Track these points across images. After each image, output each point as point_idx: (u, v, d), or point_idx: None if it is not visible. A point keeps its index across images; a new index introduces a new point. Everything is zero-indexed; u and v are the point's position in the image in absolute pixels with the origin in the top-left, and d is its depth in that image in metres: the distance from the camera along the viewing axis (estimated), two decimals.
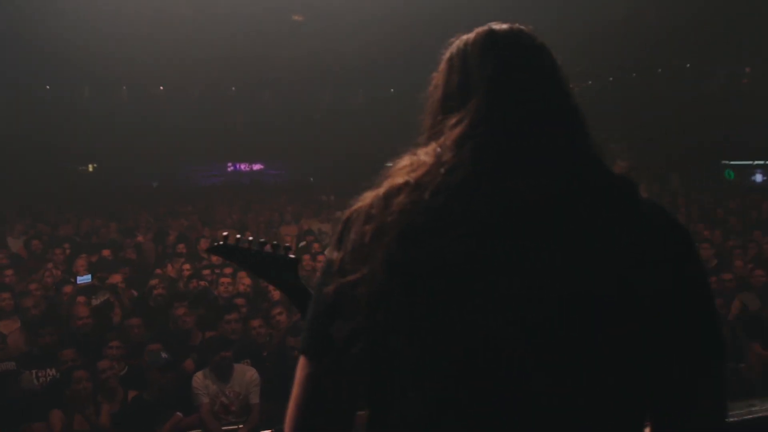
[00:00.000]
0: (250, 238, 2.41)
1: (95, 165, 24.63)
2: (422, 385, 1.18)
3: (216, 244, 2.42)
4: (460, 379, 1.16)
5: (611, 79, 24.28)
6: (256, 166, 26.74)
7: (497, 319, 1.16)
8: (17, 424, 5.30)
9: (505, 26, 1.39)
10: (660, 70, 23.47)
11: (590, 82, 25.00)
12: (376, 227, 1.23)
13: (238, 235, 2.29)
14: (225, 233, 2.11)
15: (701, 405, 1.24)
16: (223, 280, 7.94)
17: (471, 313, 1.16)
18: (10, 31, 19.33)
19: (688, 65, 22.86)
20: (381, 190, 1.28)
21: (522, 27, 1.40)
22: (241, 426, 5.46)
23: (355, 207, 1.30)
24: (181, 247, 10.34)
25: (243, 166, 26.84)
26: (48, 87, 23.17)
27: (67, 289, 8.15)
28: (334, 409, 1.24)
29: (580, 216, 1.21)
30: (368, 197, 1.29)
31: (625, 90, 23.60)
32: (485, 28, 1.39)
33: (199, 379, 5.61)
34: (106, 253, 10.17)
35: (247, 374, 5.71)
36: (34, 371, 5.95)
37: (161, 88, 24.76)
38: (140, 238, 11.63)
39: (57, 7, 19.90)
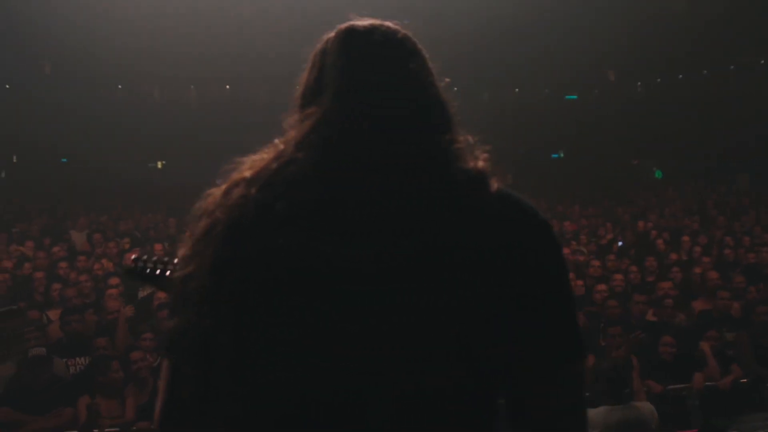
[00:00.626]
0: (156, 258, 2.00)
1: (164, 162, 25.40)
2: (242, 389, 1.15)
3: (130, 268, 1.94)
4: (284, 382, 1.13)
5: (681, 77, 23.59)
6: None
7: (321, 318, 1.12)
8: (45, 409, 5.50)
9: (366, 22, 1.35)
10: (732, 67, 22.67)
11: (659, 80, 24.37)
12: (208, 223, 1.22)
13: (145, 256, 1.96)
14: (134, 256, 1.83)
15: (553, 406, 1.18)
16: None
17: (295, 313, 1.12)
18: (82, 31, 20.13)
19: (762, 62, 21.97)
20: (224, 185, 1.27)
21: (385, 23, 1.35)
22: None
23: (202, 202, 1.29)
24: None
25: None
26: (120, 86, 24.01)
27: (113, 281, 8.39)
28: (185, 405, 1.21)
29: (417, 214, 1.15)
30: (213, 192, 1.28)
31: (696, 88, 22.90)
32: (347, 24, 1.35)
33: None
34: (158, 247, 10.44)
35: None
36: (65, 359, 6.16)
37: (227, 87, 25.33)
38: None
39: (126, 11, 20.64)
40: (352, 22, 1.35)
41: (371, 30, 1.32)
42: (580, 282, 8.08)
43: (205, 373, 1.16)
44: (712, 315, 7.15)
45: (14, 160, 20.77)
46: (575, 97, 25.99)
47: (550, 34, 22.12)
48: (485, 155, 1.28)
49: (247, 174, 1.25)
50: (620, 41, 21.41)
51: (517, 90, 26.07)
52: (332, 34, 1.36)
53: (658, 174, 21.99)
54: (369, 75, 1.27)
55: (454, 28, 22.45)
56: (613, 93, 24.93)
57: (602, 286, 7.49)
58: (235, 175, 1.27)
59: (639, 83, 25.18)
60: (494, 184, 1.23)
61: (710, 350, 6.42)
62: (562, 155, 25.51)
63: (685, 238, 10.85)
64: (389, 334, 1.11)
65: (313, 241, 1.14)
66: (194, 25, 21.97)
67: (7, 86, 21.34)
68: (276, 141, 1.30)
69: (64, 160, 22.45)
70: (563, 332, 1.20)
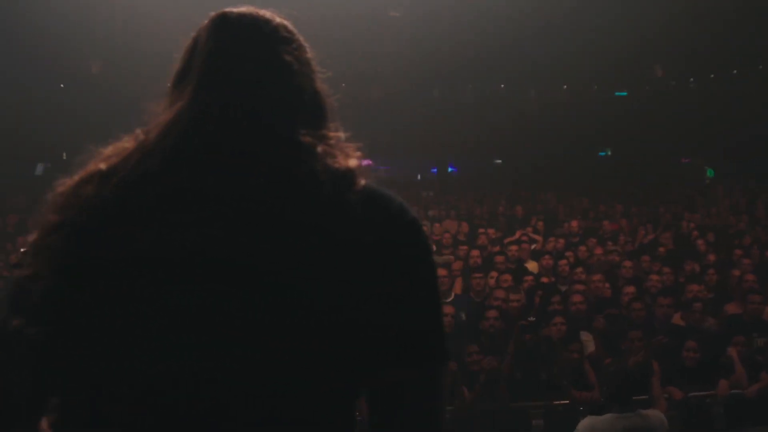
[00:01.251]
0: None
1: None
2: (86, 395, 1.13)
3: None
4: (126, 385, 1.10)
5: (735, 72, 22.88)
6: (365, 163, 26.98)
7: (164, 318, 1.09)
8: None
9: (240, 9, 1.30)
10: None
11: (712, 76, 23.69)
12: (56, 220, 1.16)
13: None
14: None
15: (406, 408, 1.15)
16: None
17: (140, 317, 1.09)
18: (132, 30, 20.57)
19: None
20: (76, 177, 1.21)
21: (261, 11, 1.30)
22: None
23: (52, 195, 1.21)
24: None
25: None
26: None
27: None
28: (13, 404, 1.18)
29: (274, 212, 1.12)
30: (66, 183, 1.21)
31: (750, 85, 22.19)
32: (220, 11, 1.30)
33: None
34: None
35: None
36: None
37: None
38: None
39: (174, 12, 20.98)
40: (225, 9, 1.30)
41: (242, 17, 1.28)
42: (607, 284, 7.88)
43: (41, 374, 1.14)
44: (742, 319, 6.90)
45: (64, 157, 21.26)
46: (625, 93, 25.44)
47: (600, 29, 21.69)
48: (358, 153, 1.26)
49: (103, 167, 1.18)
50: (672, 36, 20.89)
51: (565, 87, 25.68)
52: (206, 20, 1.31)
53: (710, 173, 21.38)
54: (234, 64, 1.23)
55: (502, 24, 22.27)
56: (664, 89, 24.31)
57: (630, 288, 7.30)
58: (91, 167, 1.20)
59: (692, 79, 24.48)
60: (361, 182, 1.19)
61: (738, 356, 6.20)
62: (609, 153, 25.01)
63: (730, 240, 10.55)
64: (251, 330, 1.08)
65: (165, 240, 1.10)
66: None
67: (62, 85, 21.94)
68: (137, 130, 1.24)
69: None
70: (423, 334, 1.17)
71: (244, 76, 1.23)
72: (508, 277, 7.74)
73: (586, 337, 6.49)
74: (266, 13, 1.31)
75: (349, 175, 1.19)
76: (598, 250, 9.34)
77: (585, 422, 4.57)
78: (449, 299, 7.54)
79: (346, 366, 1.13)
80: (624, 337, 6.13)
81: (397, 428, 1.15)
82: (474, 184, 21.32)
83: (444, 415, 1.21)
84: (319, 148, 1.20)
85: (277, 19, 1.31)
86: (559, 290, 7.23)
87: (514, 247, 9.69)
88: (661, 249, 9.83)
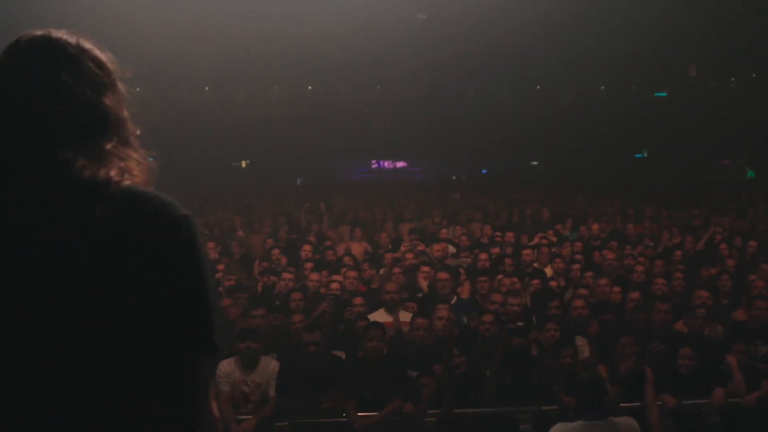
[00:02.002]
0: None
1: (248, 161, 26.21)
2: None
3: None
4: None
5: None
6: (400, 164, 27.18)
7: None
8: None
9: (36, 32, 1.39)
10: None
11: (754, 75, 23.05)
12: None
13: None
14: None
15: (166, 397, 1.26)
16: (285, 275, 8.19)
17: None
18: (167, 33, 20.99)
19: None
20: None
21: (56, 32, 1.39)
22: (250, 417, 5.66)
23: None
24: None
25: (386, 164, 27.38)
26: (207, 88, 24.93)
27: None
28: None
29: (26, 221, 1.25)
30: None
31: None
32: (19, 35, 1.40)
33: (224, 366, 5.87)
34: (210, 245, 10.73)
35: (270, 366, 5.90)
36: None
37: (309, 88, 25.84)
38: (240, 233, 12.16)
39: (210, 14, 21.37)
40: (23, 33, 1.40)
41: (33, 40, 1.37)
42: (617, 288, 7.76)
43: None
44: (746, 326, 6.74)
45: None
46: (664, 94, 25.00)
47: (640, 30, 21.38)
48: (121, 164, 1.32)
49: None
50: (712, 37, 20.48)
51: (603, 87, 25.37)
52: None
53: (750, 174, 20.85)
54: (9, 84, 1.33)
55: (538, 24, 22.11)
56: (704, 90, 23.84)
57: (635, 294, 7.18)
58: None
59: (732, 79, 23.92)
60: (119, 187, 1.28)
61: (737, 364, 6.05)
62: (645, 155, 24.58)
63: (752, 243, 10.28)
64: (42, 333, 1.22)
65: None
66: (277, 27, 22.50)
67: None
68: None
69: (151, 159, 23.41)
70: (185, 327, 1.27)
71: (18, 96, 1.32)
72: (507, 281, 7.68)
73: (581, 342, 6.42)
74: (62, 34, 1.39)
75: (103, 183, 1.27)
76: (611, 255, 9.19)
77: (556, 428, 4.55)
78: (452, 302, 7.51)
79: (129, 352, 1.24)
80: (617, 343, 6.05)
81: (154, 415, 1.25)
82: (507, 186, 21.18)
83: (205, 406, 1.31)
84: (79, 161, 1.27)
85: (72, 40, 1.39)
86: (557, 294, 7.16)
87: (527, 251, 9.60)
88: (678, 253, 9.62)
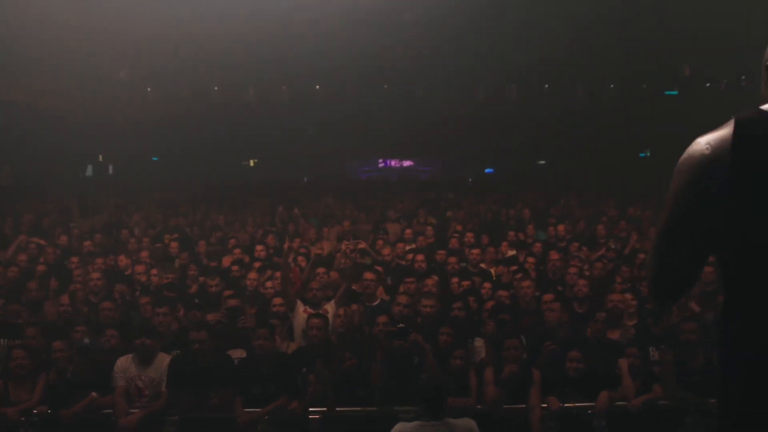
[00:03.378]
0: None
1: (256, 160, 26.57)
2: None
3: None
4: None
5: None
6: (407, 163, 27.25)
7: None
8: None
9: None
10: None
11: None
12: None
13: None
14: None
15: None
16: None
17: None
18: (176, 34, 21.38)
19: None
20: None
21: None
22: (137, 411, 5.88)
23: None
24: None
25: (393, 163, 27.47)
26: (216, 88, 25.34)
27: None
28: None
29: None
30: None
31: None
32: None
33: (121, 362, 6.10)
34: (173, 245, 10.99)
35: (165, 362, 6.10)
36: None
37: (317, 87, 26.06)
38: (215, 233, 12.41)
39: (220, 14, 21.68)
40: None
41: None
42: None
43: None
44: (650, 331, 6.72)
45: (100, 159, 22.47)
46: (675, 93, 24.60)
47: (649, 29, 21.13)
48: None
49: None
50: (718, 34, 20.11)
51: (612, 86, 25.08)
52: None
53: None
54: None
55: (545, 24, 21.97)
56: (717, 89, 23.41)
57: (548, 296, 7.20)
58: None
59: (743, 77, 23.43)
60: None
61: (627, 368, 6.07)
62: (648, 154, 24.25)
63: None
64: None
65: None
66: (286, 27, 22.74)
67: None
68: None
69: (155, 158, 23.98)
70: None
71: None
72: (430, 281, 7.76)
73: (479, 343, 6.50)
74: None
75: None
76: (555, 256, 9.19)
77: (396, 427, 4.66)
78: (374, 303, 7.64)
79: None
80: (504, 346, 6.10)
81: None
82: (511, 186, 21.07)
83: None
84: None
85: None
86: (458, 296, 7.22)
87: (476, 251, 9.67)
88: (642, 255, 9.58)
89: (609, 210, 15.11)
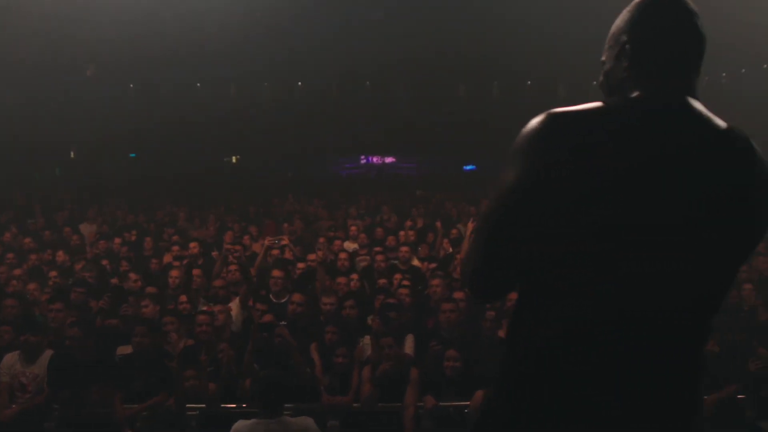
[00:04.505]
0: None
1: (238, 157, 26.66)
2: None
3: None
4: None
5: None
6: (388, 159, 27.25)
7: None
8: None
9: None
10: None
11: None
12: None
13: None
14: None
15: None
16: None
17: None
18: (162, 30, 21.45)
19: None
20: None
21: None
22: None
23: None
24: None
25: (375, 159, 27.47)
26: (198, 84, 25.44)
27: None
28: None
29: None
30: None
31: None
32: None
33: (7, 359, 6.19)
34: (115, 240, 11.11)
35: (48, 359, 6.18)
36: None
37: (299, 84, 26.10)
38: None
39: (201, 13, 21.73)
40: None
41: None
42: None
43: None
44: None
45: (72, 156, 22.63)
46: None
47: None
48: None
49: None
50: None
51: (594, 83, 24.89)
52: None
53: None
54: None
55: (533, 20, 21.85)
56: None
57: (458, 294, 7.20)
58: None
59: (723, 74, 23.20)
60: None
61: None
62: None
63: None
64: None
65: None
66: (267, 26, 22.75)
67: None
68: None
69: (133, 155, 24.11)
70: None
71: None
72: (342, 279, 7.82)
73: (366, 341, 6.53)
74: None
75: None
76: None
77: (234, 426, 4.70)
78: (282, 300, 7.68)
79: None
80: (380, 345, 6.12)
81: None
82: (491, 183, 20.95)
83: None
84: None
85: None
86: (350, 295, 7.24)
87: (405, 249, 9.68)
88: None
89: None
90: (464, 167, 26.04)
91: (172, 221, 14.40)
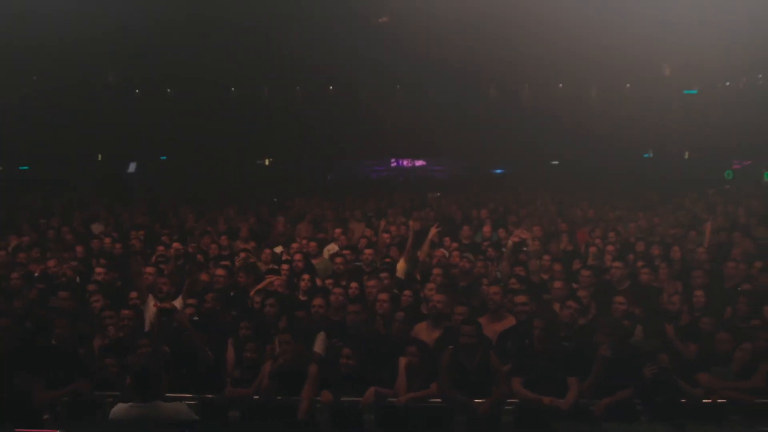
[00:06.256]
0: None
1: (271, 159, 27.24)
2: None
3: None
4: None
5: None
6: (419, 163, 27.39)
7: None
8: None
9: None
10: None
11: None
12: None
13: None
14: None
15: None
16: None
17: None
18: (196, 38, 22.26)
19: None
20: None
21: None
22: None
23: None
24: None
25: (405, 162, 27.65)
26: (233, 89, 26.15)
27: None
28: None
29: None
30: None
31: None
32: None
33: None
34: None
35: None
36: None
37: (330, 88, 26.53)
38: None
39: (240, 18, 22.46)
40: None
41: None
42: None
43: None
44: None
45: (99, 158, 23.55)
46: (695, 92, 23.84)
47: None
48: None
49: None
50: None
51: (629, 85, 24.53)
52: None
53: (728, 174, 19.57)
54: None
55: (568, 23, 21.78)
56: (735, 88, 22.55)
57: (383, 296, 7.42)
58: None
59: (760, 76, 22.50)
60: None
61: (405, 365, 6.28)
62: (650, 155, 23.59)
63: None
64: None
65: None
66: (303, 31, 23.26)
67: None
68: None
69: (164, 158, 24.95)
70: None
71: None
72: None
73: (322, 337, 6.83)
74: None
75: None
76: (440, 252, 9.44)
77: (113, 409, 5.04)
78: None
79: None
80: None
81: None
82: (517, 186, 20.88)
83: None
84: None
85: None
86: (271, 293, 7.54)
87: (369, 251, 9.84)
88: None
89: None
90: (493, 170, 25.98)
91: (180, 222, 14.87)
